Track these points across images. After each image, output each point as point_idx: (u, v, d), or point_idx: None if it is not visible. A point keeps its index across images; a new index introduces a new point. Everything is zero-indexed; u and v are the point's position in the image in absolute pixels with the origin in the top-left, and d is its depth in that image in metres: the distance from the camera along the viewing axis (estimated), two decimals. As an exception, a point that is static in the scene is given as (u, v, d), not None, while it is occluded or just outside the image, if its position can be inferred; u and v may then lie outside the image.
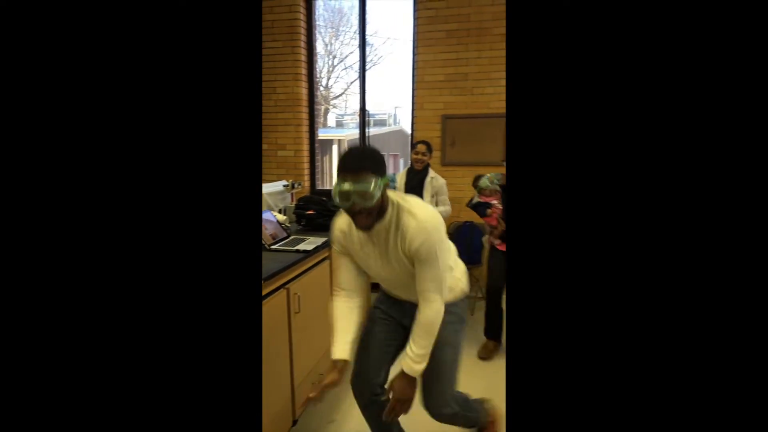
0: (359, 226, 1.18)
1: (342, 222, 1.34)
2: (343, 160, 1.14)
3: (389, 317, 1.49)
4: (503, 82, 3.37)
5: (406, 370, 1.27)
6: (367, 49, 4.10)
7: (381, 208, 1.18)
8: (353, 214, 1.15)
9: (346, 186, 1.11)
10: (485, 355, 2.48)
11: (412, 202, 1.25)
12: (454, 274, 1.41)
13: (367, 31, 3.80)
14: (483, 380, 2.21)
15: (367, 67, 3.82)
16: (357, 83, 3.84)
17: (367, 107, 3.87)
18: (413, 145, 3.01)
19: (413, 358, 1.26)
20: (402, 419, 1.43)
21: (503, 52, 3.33)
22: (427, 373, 1.33)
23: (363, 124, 3.91)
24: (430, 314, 1.24)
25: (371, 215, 1.16)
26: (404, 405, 1.29)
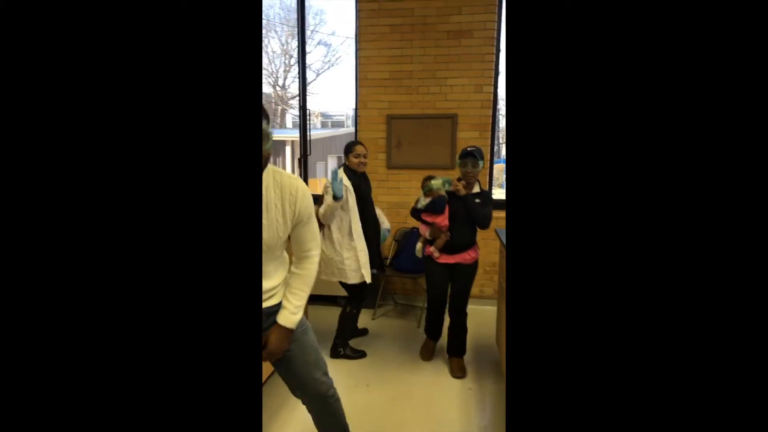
0: None
1: None
2: None
3: None
4: (449, 81, 3.22)
5: (284, 323, 1.29)
6: (326, 49, 3.92)
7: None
8: None
9: None
10: (427, 356, 2.62)
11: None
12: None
13: (326, 31, 3.61)
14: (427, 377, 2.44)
15: (325, 68, 3.64)
16: (316, 83, 3.66)
17: (327, 109, 3.67)
18: (351, 146, 2.46)
19: (292, 311, 1.31)
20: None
21: (448, 50, 3.17)
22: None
23: (303, 123, 3.67)
24: (314, 268, 1.36)
25: None
26: (276, 357, 1.32)
